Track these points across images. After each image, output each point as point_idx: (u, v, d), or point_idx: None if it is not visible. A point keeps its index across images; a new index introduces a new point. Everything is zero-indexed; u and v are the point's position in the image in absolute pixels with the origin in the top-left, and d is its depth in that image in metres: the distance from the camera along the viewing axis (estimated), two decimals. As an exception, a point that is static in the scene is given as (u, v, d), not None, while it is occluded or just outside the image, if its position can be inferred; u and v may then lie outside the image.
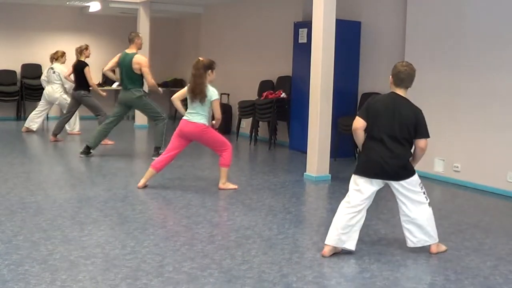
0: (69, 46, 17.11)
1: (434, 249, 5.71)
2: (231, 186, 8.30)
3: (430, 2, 9.66)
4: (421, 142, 5.50)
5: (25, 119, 16.27)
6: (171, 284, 4.64)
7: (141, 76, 10.49)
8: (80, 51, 12.51)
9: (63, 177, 8.87)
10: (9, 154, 10.78)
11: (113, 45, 16.42)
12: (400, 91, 5.62)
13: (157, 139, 10.61)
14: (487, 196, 8.45)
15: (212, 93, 8.15)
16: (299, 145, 11.13)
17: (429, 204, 5.64)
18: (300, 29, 11.74)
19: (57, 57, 14.00)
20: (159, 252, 5.46)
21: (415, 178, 5.58)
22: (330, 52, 9.02)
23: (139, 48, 10.76)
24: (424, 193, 5.62)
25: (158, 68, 14.21)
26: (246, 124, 13.57)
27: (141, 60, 10.47)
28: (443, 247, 5.75)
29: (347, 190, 8.43)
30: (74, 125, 13.96)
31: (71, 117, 13.00)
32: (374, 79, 11.05)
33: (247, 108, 12.81)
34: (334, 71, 9.12)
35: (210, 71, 8.15)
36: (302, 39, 11.60)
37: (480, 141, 8.71)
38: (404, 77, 5.61)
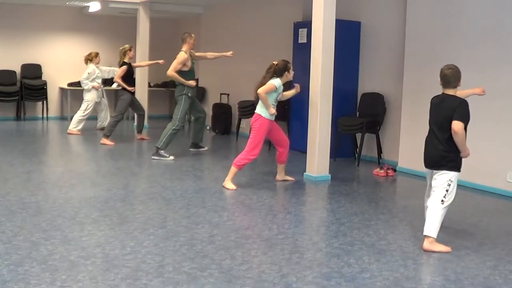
0: (69, 46, 17.25)
1: (425, 246, 5.77)
2: (229, 186, 8.31)
3: (430, 2, 9.66)
4: (453, 124, 5.78)
5: (25, 119, 16.36)
6: (171, 284, 4.64)
7: (183, 73, 10.73)
8: (124, 52, 12.68)
9: (63, 177, 8.86)
10: (9, 154, 10.78)
11: (113, 45, 16.42)
12: (449, 91, 5.97)
13: (160, 138, 10.64)
14: (487, 196, 8.45)
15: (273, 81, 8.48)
16: (299, 145, 11.12)
17: (443, 202, 5.81)
18: (300, 29, 11.73)
19: (91, 58, 14.16)
20: (159, 252, 5.45)
21: (449, 175, 5.87)
22: (330, 52, 9.02)
23: (192, 48, 11.02)
24: (446, 190, 5.84)
25: (157, 69, 14.21)
26: (246, 124, 13.56)
27: (177, 56, 10.77)
28: (437, 248, 5.74)
29: (347, 190, 8.50)
30: (101, 122, 14.61)
31: (141, 118, 13.45)
32: (374, 79, 11.06)
33: (247, 108, 12.81)
34: (334, 71, 9.12)
35: (287, 73, 8.52)
36: (302, 39, 11.59)
37: (479, 141, 8.69)
38: (449, 79, 5.94)
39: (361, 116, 10.97)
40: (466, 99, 5.95)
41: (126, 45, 12.76)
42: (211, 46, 15.69)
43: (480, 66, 8.75)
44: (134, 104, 12.91)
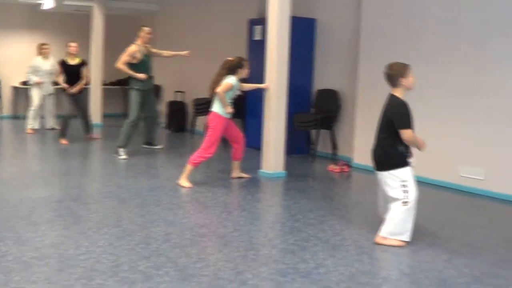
0: (22, 44, 17.03)
1: (377, 240, 5.86)
2: (184, 184, 8.29)
3: (384, -1, 9.76)
4: (401, 134, 5.77)
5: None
6: (126, 284, 4.61)
7: (134, 67, 10.69)
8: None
9: (16, 177, 8.75)
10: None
11: (67, 43, 16.24)
12: (394, 91, 5.95)
13: (119, 137, 10.58)
14: (440, 191, 8.56)
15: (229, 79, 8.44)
16: (254, 142, 11.14)
17: (406, 204, 5.76)
18: (254, 26, 11.74)
19: (37, 50, 14.05)
20: (114, 251, 5.42)
21: (396, 173, 5.82)
22: (285, 49, 9.05)
23: (145, 42, 10.91)
24: (405, 191, 5.77)
25: (111, 66, 14.12)
26: (201, 122, 13.54)
27: (127, 49, 10.73)
28: (390, 241, 5.79)
29: (302, 187, 8.54)
30: (50, 123, 14.42)
31: (81, 118, 13.09)
32: (329, 76, 11.12)
33: (202, 106, 12.79)
34: (289, 68, 9.15)
35: (239, 69, 8.48)
36: (257, 36, 11.60)
37: (433, 136, 8.80)
38: (390, 78, 5.96)
39: (316, 113, 11.02)
40: (403, 99, 5.91)
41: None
42: (167, 43, 15.64)
43: (433, 63, 8.86)
44: (76, 104, 12.61)
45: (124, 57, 10.62)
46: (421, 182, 8.76)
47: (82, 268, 4.95)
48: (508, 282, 4.95)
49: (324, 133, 10.93)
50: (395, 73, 5.89)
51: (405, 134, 5.73)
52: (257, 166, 9.44)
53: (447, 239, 6.13)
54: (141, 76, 10.70)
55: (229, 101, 8.38)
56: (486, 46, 8.27)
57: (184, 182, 8.29)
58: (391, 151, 5.84)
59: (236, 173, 8.98)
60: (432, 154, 8.79)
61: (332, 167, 9.87)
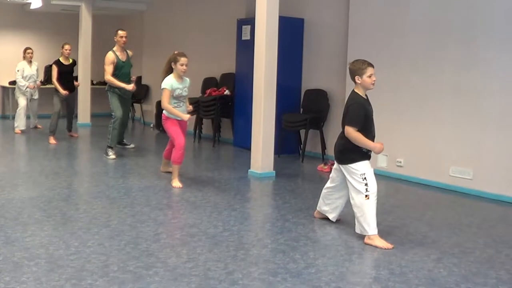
0: (10, 43, 16.95)
1: (366, 241, 5.85)
2: (176, 184, 8.26)
3: (372, -1, 9.78)
4: (345, 129, 5.93)
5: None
6: (116, 284, 4.60)
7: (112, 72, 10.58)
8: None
9: (5, 177, 8.71)
10: None
11: (55, 43, 16.20)
12: (354, 87, 6.04)
13: (108, 137, 10.56)
14: (430, 190, 8.57)
15: (163, 83, 8.31)
16: (243, 142, 11.14)
17: (367, 197, 5.81)
18: (243, 26, 11.74)
19: (23, 55, 14.05)
20: (104, 251, 5.40)
21: (355, 167, 5.90)
22: (274, 49, 9.04)
23: (120, 45, 10.74)
24: (366, 184, 5.84)
25: (100, 66, 14.11)
26: (190, 122, 13.50)
27: (105, 57, 10.62)
28: (377, 242, 5.78)
29: (291, 186, 8.53)
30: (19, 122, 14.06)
31: (66, 117, 13.30)
32: (318, 75, 11.12)
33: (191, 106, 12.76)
34: (278, 68, 9.15)
35: (173, 63, 8.33)
36: (246, 36, 11.60)
37: (422, 136, 8.83)
38: (350, 74, 6.05)
39: (304, 113, 11.03)
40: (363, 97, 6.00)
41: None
42: (155, 43, 15.64)
43: (421, 63, 8.89)
44: (64, 103, 12.80)
45: (108, 68, 10.50)
46: (410, 182, 8.84)
47: (72, 268, 4.93)
48: (497, 281, 4.96)
49: (313, 133, 10.93)
50: (352, 70, 5.98)
51: (347, 130, 5.88)
52: (247, 166, 9.43)
53: (437, 239, 6.14)
54: (130, 87, 10.59)
55: (174, 104, 8.34)
56: (475, 46, 8.29)
57: (175, 182, 8.27)
58: (349, 145, 5.94)
59: (164, 168, 9.14)
60: (422, 154, 8.83)
61: (321, 167, 9.88)
